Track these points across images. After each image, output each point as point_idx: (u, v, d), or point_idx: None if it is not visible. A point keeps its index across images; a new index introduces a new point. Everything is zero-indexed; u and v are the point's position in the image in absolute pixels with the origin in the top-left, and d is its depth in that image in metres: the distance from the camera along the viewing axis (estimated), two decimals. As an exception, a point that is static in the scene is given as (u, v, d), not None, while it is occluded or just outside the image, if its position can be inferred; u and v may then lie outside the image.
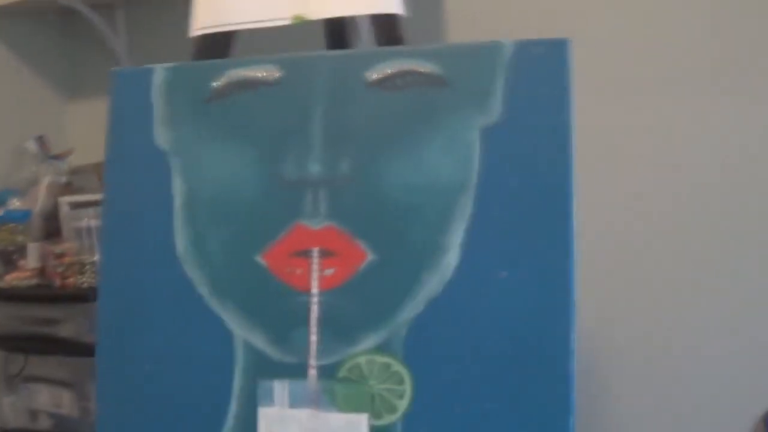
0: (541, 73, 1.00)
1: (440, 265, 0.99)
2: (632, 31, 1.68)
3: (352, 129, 1.05)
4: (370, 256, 1.01)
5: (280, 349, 1.03)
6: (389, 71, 1.05)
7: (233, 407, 1.04)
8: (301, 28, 1.26)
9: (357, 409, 1.00)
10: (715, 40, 1.62)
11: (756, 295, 1.61)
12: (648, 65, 1.67)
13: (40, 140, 2.12)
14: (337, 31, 1.46)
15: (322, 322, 1.01)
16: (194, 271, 1.07)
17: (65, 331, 1.86)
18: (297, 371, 1.02)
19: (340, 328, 1.01)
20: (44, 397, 1.99)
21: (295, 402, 1.02)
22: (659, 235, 1.69)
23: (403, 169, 1.01)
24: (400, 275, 1.00)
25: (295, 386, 1.02)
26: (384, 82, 1.05)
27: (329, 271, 1.02)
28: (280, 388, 1.02)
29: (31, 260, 1.94)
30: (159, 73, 1.13)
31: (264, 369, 1.03)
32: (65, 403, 1.95)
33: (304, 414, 1.01)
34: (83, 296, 1.81)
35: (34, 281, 1.92)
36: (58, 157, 2.11)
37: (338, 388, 1.01)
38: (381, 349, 1.00)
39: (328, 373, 1.01)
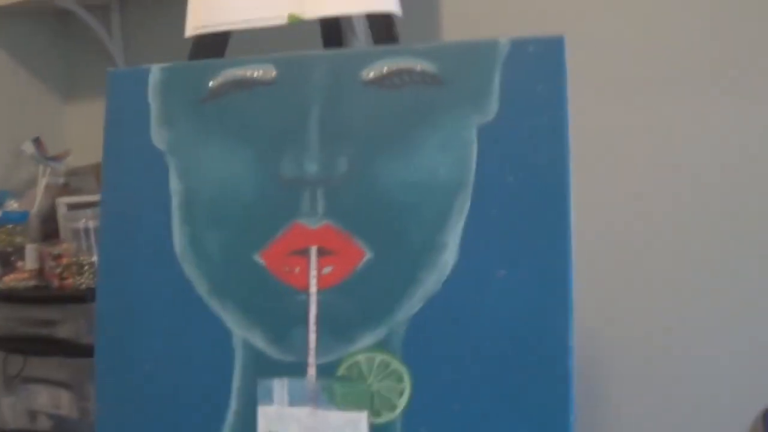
0: (536, 70, 1.01)
1: (438, 264, 0.99)
2: (631, 30, 1.68)
3: (348, 128, 1.05)
4: (367, 255, 1.01)
5: (279, 348, 1.03)
6: (385, 70, 1.05)
7: (233, 406, 1.04)
8: (296, 27, 1.26)
9: (356, 407, 1.00)
10: (715, 40, 1.62)
11: (756, 295, 1.62)
12: (647, 65, 1.67)
13: (37, 142, 2.12)
14: (333, 31, 1.46)
15: (321, 320, 1.02)
16: (193, 271, 1.07)
17: (64, 332, 1.86)
18: (296, 370, 1.02)
19: (339, 327, 1.01)
20: (43, 398, 1.99)
21: (294, 400, 1.02)
22: (659, 235, 1.69)
23: (400, 167, 1.02)
24: (398, 273, 1.00)
25: (294, 385, 1.02)
26: (380, 80, 1.05)
27: (327, 270, 1.02)
28: (280, 386, 1.03)
29: (29, 261, 1.93)
30: (155, 73, 1.13)
31: (263, 368, 1.03)
32: (64, 403, 1.95)
33: (303, 412, 1.02)
34: (81, 297, 1.80)
35: (32, 282, 1.92)
36: (55, 159, 2.11)
37: (337, 387, 1.01)
38: (380, 347, 1.00)
39: (327, 371, 1.01)
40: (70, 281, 1.85)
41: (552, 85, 1.00)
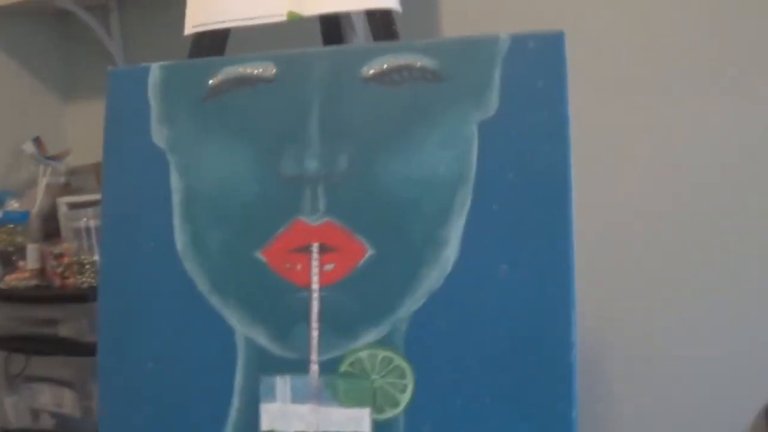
0: (537, 66, 1.01)
1: (440, 259, 0.99)
2: (630, 29, 1.68)
3: (349, 124, 1.05)
4: (369, 251, 1.01)
5: (281, 345, 1.03)
6: (385, 66, 1.05)
7: (235, 403, 1.04)
8: (296, 24, 1.26)
9: (359, 403, 1.00)
10: (714, 39, 1.62)
11: (756, 295, 1.62)
12: (646, 64, 1.67)
13: (38, 141, 2.12)
14: (332, 27, 1.46)
15: (323, 317, 1.02)
16: (194, 269, 1.07)
17: (66, 331, 1.86)
18: (298, 367, 1.02)
19: (341, 323, 1.01)
20: (46, 397, 1.99)
21: (297, 397, 1.02)
22: (659, 235, 1.69)
23: (401, 164, 1.01)
24: (399, 270, 1.00)
25: (297, 381, 1.02)
26: (380, 77, 1.05)
27: (329, 267, 1.02)
28: (282, 383, 1.03)
29: (31, 261, 1.93)
30: (155, 71, 1.13)
31: (266, 365, 1.03)
32: (67, 402, 1.95)
33: (306, 409, 1.02)
34: (83, 296, 1.81)
35: (33, 282, 1.92)
36: (55, 158, 2.11)
37: (340, 383, 1.01)
38: (382, 343, 1.00)
39: (329, 368, 1.01)
40: (71, 280, 1.85)
41: (552, 81, 1.00)
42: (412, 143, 1.02)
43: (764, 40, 1.59)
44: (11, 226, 1.99)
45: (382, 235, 1.01)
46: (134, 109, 1.13)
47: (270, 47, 1.12)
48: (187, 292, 1.07)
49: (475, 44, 1.03)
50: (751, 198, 1.62)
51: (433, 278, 0.99)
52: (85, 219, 1.86)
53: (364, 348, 1.01)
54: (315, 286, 1.02)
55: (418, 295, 1.00)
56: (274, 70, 1.08)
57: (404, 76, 1.04)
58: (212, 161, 1.08)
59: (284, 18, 1.25)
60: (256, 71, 1.09)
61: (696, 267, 1.67)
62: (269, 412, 1.03)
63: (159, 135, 1.11)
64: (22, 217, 2.00)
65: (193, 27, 1.30)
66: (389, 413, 0.99)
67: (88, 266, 1.83)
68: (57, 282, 1.87)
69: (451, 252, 0.99)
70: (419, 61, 1.04)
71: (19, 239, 1.97)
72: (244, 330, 1.05)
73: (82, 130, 2.28)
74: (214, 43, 1.29)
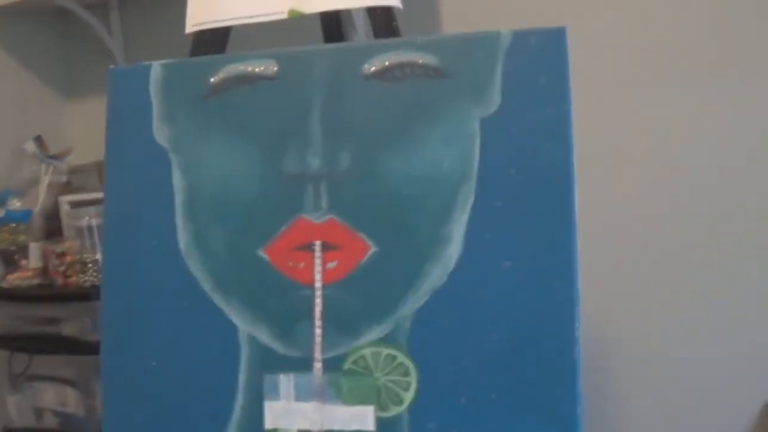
0: (539, 62, 1.00)
1: (443, 256, 0.99)
2: (630, 29, 1.68)
3: (351, 122, 1.04)
4: (372, 249, 1.01)
5: (284, 343, 1.03)
6: (387, 63, 1.05)
7: (239, 401, 1.04)
8: (297, 22, 1.26)
9: (363, 401, 1.00)
10: (714, 40, 1.62)
11: (755, 296, 1.62)
12: (646, 64, 1.67)
13: (39, 140, 2.12)
14: (333, 25, 1.46)
15: (327, 315, 1.02)
16: (197, 267, 1.07)
17: (68, 329, 1.86)
18: (302, 365, 1.02)
19: (345, 321, 1.01)
20: (49, 396, 2.00)
21: (300, 395, 1.02)
22: (658, 236, 1.69)
23: (403, 161, 1.01)
24: (403, 267, 1.00)
25: (301, 380, 1.02)
26: (382, 74, 1.04)
27: (332, 265, 1.02)
28: (286, 381, 1.03)
29: (33, 260, 1.94)
30: (156, 70, 1.13)
31: (269, 363, 1.03)
32: (70, 401, 1.96)
33: (309, 407, 1.02)
34: (85, 295, 1.81)
35: (36, 281, 1.92)
36: (57, 157, 2.11)
37: (344, 381, 1.01)
38: (385, 341, 1.00)
39: (333, 366, 1.01)
40: (74, 279, 1.85)
41: (555, 77, 1.00)
42: (414, 140, 1.02)
43: (764, 41, 1.58)
44: (13, 225, 1.99)
45: (384, 232, 1.01)
46: (136, 108, 1.13)
47: (271, 45, 1.11)
48: (189, 291, 1.07)
49: (477, 41, 1.03)
50: (750, 199, 1.62)
51: (436, 275, 0.99)
52: (87, 217, 1.86)
53: (367, 346, 1.01)
54: (318, 284, 1.02)
55: (421, 293, 1.00)
56: (276, 68, 1.08)
57: (406, 72, 1.04)
58: (214, 159, 1.08)
59: (285, 15, 1.25)
60: (257, 69, 1.09)
61: (695, 268, 1.67)
62: (273, 410, 1.03)
63: (160, 133, 1.11)
64: (25, 216, 2.00)
65: (194, 25, 1.30)
66: (393, 411, 0.99)
67: (90, 265, 1.83)
68: (59, 281, 1.87)
69: (454, 249, 0.99)
70: (421, 57, 1.03)
71: (22, 238, 1.98)
72: (247, 328, 1.05)
73: (82, 129, 2.28)
74: (215, 41, 1.29)
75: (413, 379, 0.99)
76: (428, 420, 0.98)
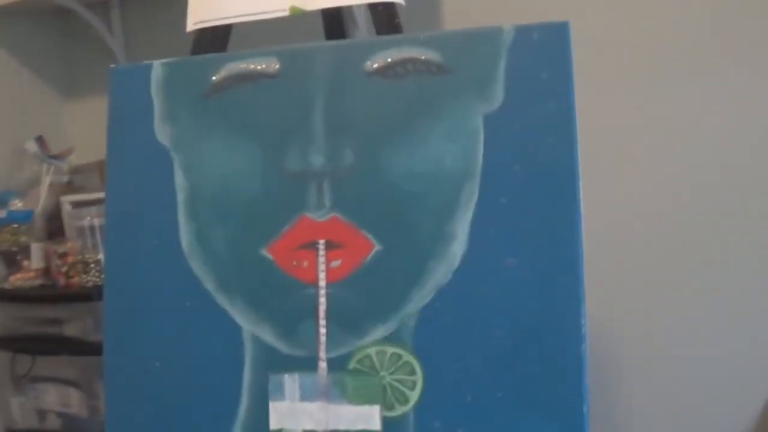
0: (542, 57, 1.00)
1: (447, 254, 0.98)
2: (632, 27, 1.68)
3: (353, 119, 1.04)
4: (376, 247, 1.01)
5: (288, 343, 1.03)
6: (389, 60, 1.04)
7: (244, 402, 1.04)
8: (298, 19, 1.25)
9: (368, 400, 1.00)
10: (716, 39, 1.62)
11: (756, 295, 1.62)
12: (647, 63, 1.66)
13: (40, 140, 2.11)
14: (335, 21, 1.46)
15: (331, 314, 1.01)
16: (200, 267, 1.06)
17: (71, 330, 1.86)
18: (307, 364, 1.02)
19: (349, 320, 1.01)
20: (52, 397, 1.99)
21: (305, 395, 1.02)
22: (659, 234, 1.69)
23: (407, 157, 1.01)
24: (407, 265, 0.99)
25: (306, 379, 1.02)
26: (384, 70, 1.04)
27: (336, 263, 1.01)
28: (291, 381, 1.02)
29: (35, 261, 1.93)
30: (157, 69, 1.13)
31: (274, 363, 1.03)
32: (74, 402, 1.95)
33: (315, 407, 1.01)
34: (88, 295, 1.81)
35: (38, 281, 1.92)
36: (58, 157, 2.11)
37: (349, 380, 1.00)
38: (390, 339, 1.00)
39: (338, 365, 1.01)
40: (76, 279, 1.85)
41: (558, 72, 0.99)
42: (417, 137, 1.01)
43: (766, 40, 1.58)
44: (15, 225, 1.98)
45: (388, 230, 1.01)
46: (137, 107, 1.12)
47: (272, 43, 1.11)
48: (192, 290, 1.06)
49: (480, 36, 1.02)
50: (751, 198, 1.62)
51: (441, 273, 0.99)
52: (88, 217, 1.86)
53: (372, 345, 1.00)
54: (322, 283, 1.01)
55: (425, 291, 0.99)
56: (278, 66, 1.08)
57: (408, 69, 1.03)
58: (216, 158, 1.08)
59: (287, 13, 1.25)
60: (259, 67, 1.08)
61: (696, 266, 1.67)
62: (278, 411, 1.03)
63: (162, 132, 1.11)
64: (26, 216, 2.00)
65: (195, 23, 1.29)
66: (399, 410, 0.99)
67: (92, 265, 1.83)
68: (62, 281, 1.87)
69: (458, 246, 0.98)
70: (423, 54, 1.03)
71: (23, 239, 1.97)
72: (251, 328, 1.04)
73: (83, 129, 2.28)
74: (216, 39, 1.29)
75: (419, 378, 0.99)
76: (434, 419, 0.98)
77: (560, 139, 0.98)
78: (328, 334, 1.01)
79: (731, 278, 1.64)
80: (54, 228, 2.00)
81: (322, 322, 1.01)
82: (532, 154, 0.98)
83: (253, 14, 1.26)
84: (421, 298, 0.99)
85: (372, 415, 0.99)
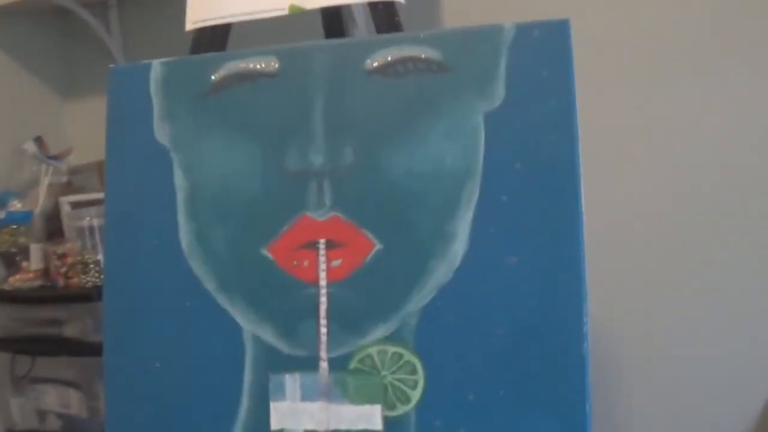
0: (542, 55, 1.00)
1: (448, 253, 0.98)
2: (632, 27, 1.68)
3: (353, 118, 1.04)
4: (377, 246, 1.00)
5: (289, 343, 1.02)
6: (389, 58, 1.04)
7: (245, 402, 1.03)
8: (297, 18, 1.25)
9: (370, 400, 0.99)
10: (716, 39, 1.62)
11: (756, 295, 1.62)
12: (648, 62, 1.66)
13: (39, 141, 2.11)
14: (335, 20, 1.45)
15: (331, 314, 1.01)
16: (200, 267, 1.06)
17: (70, 331, 1.86)
18: (308, 364, 1.01)
19: (350, 320, 1.00)
20: (52, 398, 1.99)
21: (306, 395, 1.01)
22: (660, 233, 1.69)
23: (407, 156, 1.00)
24: (408, 264, 0.99)
25: (307, 379, 1.01)
26: (384, 69, 1.04)
27: (336, 263, 1.01)
28: (292, 381, 1.02)
29: (34, 261, 1.93)
30: (156, 68, 1.12)
31: (274, 363, 1.03)
32: (73, 403, 1.95)
33: (316, 407, 1.01)
34: (87, 296, 1.80)
35: (37, 282, 1.92)
36: (57, 158, 2.10)
37: (350, 380, 1.00)
38: (392, 339, 0.99)
39: (339, 365, 1.00)
40: (75, 280, 1.85)
41: (558, 70, 0.99)
42: (418, 135, 1.01)
43: (766, 40, 1.58)
44: (14, 226, 1.98)
45: (389, 229, 1.00)
46: (136, 107, 1.12)
47: (271, 42, 1.11)
48: (192, 291, 1.06)
49: (480, 34, 1.02)
50: (752, 197, 1.61)
51: (442, 272, 0.98)
52: (88, 218, 1.86)
53: (373, 344, 1.00)
54: (323, 282, 1.01)
55: (426, 290, 0.99)
56: (277, 65, 1.07)
57: (409, 67, 1.03)
58: (216, 158, 1.07)
59: (286, 12, 1.25)
60: (258, 66, 1.08)
61: (697, 266, 1.66)
62: (279, 411, 1.02)
63: (161, 132, 1.10)
64: (25, 217, 1.99)
65: (194, 23, 1.29)
66: (400, 409, 0.99)
67: (92, 265, 1.82)
68: (61, 282, 1.87)
69: (459, 245, 0.98)
70: (423, 52, 1.03)
71: (22, 240, 1.97)
72: (252, 328, 1.04)
73: (82, 129, 2.28)
74: (215, 38, 1.29)
75: (420, 377, 0.98)
76: (435, 418, 0.98)
77: (561, 137, 0.98)
78: (328, 333, 1.01)
79: (731, 278, 1.63)
80: (53, 229, 2.00)
81: (323, 321, 1.01)
82: (533, 152, 0.98)
83: (253, 13, 1.26)
84: (422, 297, 0.99)
85: (373, 414, 0.99)
